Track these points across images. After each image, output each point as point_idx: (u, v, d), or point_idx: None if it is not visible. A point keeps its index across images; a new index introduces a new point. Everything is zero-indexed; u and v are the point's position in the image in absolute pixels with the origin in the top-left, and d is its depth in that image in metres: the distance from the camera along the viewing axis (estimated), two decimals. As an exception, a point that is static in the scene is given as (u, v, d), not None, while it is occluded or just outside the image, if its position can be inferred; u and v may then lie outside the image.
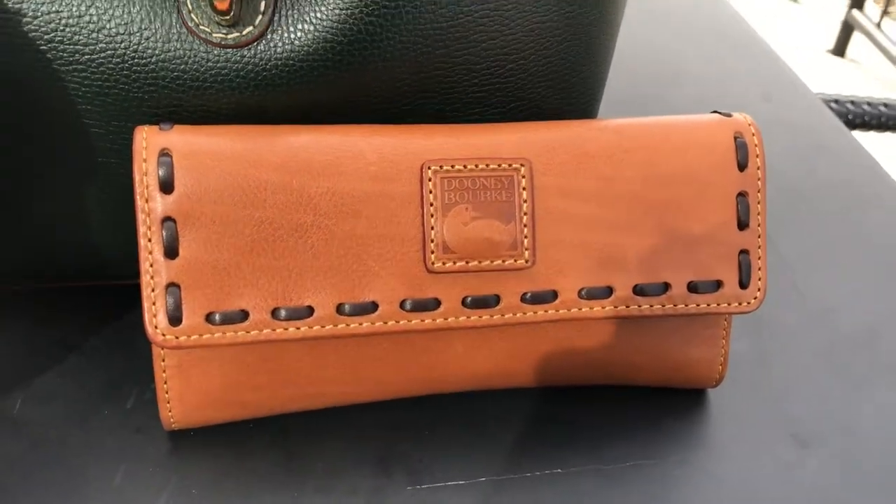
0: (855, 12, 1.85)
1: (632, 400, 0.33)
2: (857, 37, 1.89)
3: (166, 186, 0.26)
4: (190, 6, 0.27)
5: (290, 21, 0.27)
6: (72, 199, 0.31)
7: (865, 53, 1.92)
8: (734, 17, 0.68)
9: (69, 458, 0.29)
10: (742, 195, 0.30)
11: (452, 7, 0.28)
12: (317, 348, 0.29)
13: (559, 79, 0.32)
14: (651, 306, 0.30)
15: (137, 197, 0.26)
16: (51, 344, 0.34)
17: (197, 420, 0.30)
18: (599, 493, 0.30)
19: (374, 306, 0.28)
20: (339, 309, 0.28)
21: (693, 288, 0.30)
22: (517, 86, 0.31)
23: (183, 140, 0.27)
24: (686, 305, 0.30)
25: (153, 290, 0.27)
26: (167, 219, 0.26)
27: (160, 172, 0.26)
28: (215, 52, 0.27)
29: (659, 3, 0.67)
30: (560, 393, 0.33)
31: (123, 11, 0.27)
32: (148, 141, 0.27)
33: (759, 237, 0.31)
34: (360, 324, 0.28)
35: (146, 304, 0.27)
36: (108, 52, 0.27)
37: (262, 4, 0.27)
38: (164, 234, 0.26)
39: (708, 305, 0.30)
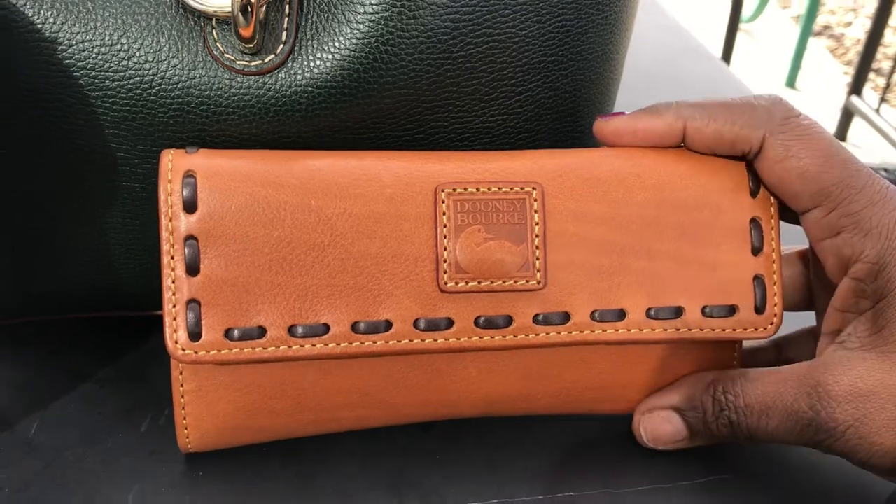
0: (854, 98, 1.90)
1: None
2: (857, 122, 1.93)
3: (190, 206, 0.27)
4: (216, 35, 0.29)
5: (309, 50, 0.29)
6: (93, 223, 0.32)
7: (866, 138, 1.96)
8: (734, 84, 0.71)
9: (83, 479, 0.30)
10: (755, 220, 0.31)
11: (462, 38, 0.30)
12: (332, 373, 0.30)
13: (567, 111, 0.33)
14: (665, 330, 0.30)
15: (162, 216, 0.27)
16: (66, 372, 0.34)
17: (213, 444, 0.30)
18: (614, 515, 0.30)
19: (388, 325, 0.28)
20: (354, 327, 0.28)
21: (707, 313, 0.30)
22: (525, 117, 0.32)
23: (207, 162, 0.28)
24: (701, 330, 0.31)
25: (174, 306, 0.27)
26: (190, 237, 0.27)
27: (184, 193, 0.27)
28: (238, 79, 0.29)
29: (660, 81, 0.70)
30: (570, 416, 0.33)
31: (153, 41, 0.29)
32: (174, 163, 0.28)
33: (773, 262, 0.31)
34: (375, 342, 0.28)
35: (167, 319, 0.27)
36: (137, 78, 0.29)
37: (284, 34, 0.29)
38: (187, 251, 0.27)
39: (723, 331, 0.31)
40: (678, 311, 0.30)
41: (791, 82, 2.35)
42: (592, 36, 0.32)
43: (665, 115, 0.31)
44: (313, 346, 0.28)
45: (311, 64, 0.29)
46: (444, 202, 0.29)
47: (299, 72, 0.29)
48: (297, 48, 0.29)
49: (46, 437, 0.31)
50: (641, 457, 0.32)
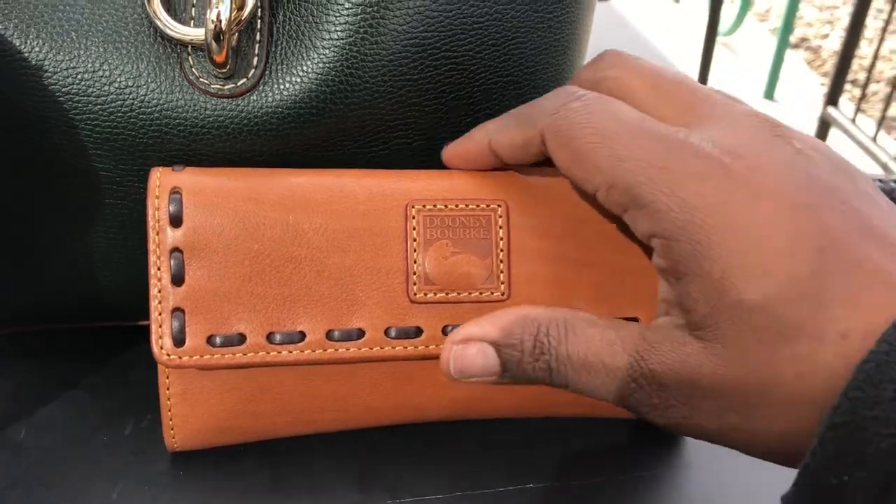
0: (831, 109, 1.93)
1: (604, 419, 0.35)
2: (833, 132, 1.97)
3: (176, 221, 0.29)
4: (191, 61, 0.31)
5: (279, 74, 0.31)
6: (78, 240, 0.34)
7: (843, 147, 1.99)
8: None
9: (69, 477, 0.31)
10: None
11: (422, 62, 0.32)
12: (309, 378, 0.32)
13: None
14: None
15: (150, 230, 0.29)
16: (52, 380, 0.36)
17: (198, 443, 0.32)
18: (568, 505, 0.32)
19: (360, 333, 0.31)
20: (329, 334, 0.30)
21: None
22: (484, 134, 0.35)
23: (192, 180, 0.30)
24: None
25: (160, 314, 0.29)
26: (175, 250, 0.29)
27: (171, 208, 0.29)
28: (213, 101, 0.31)
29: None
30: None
31: (133, 67, 0.31)
32: (161, 180, 0.30)
33: None
34: (348, 349, 0.30)
35: (153, 327, 0.29)
36: (118, 102, 0.31)
37: (255, 59, 0.31)
38: (172, 263, 0.29)
39: None
40: (636, 321, 0.32)
41: (769, 94, 2.39)
42: (546, 57, 0.35)
43: (475, 136, 0.31)
44: (290, 352, 0.30)
45: (281, 87, 0.31)
46: (414, 218, 0.31)
47: (270, 94, 0.31)
48: (267, 72, 0.31)
49: (34, 440, 0.33)
50: (603, 448, 0.34)
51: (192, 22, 0.31)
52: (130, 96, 0.31)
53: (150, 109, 0.31)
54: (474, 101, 0.34)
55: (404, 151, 0.34)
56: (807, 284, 0.23)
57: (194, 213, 0.29)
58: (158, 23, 0.30)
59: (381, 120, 0.33)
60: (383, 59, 0.31)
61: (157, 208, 0.29)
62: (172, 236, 0.29)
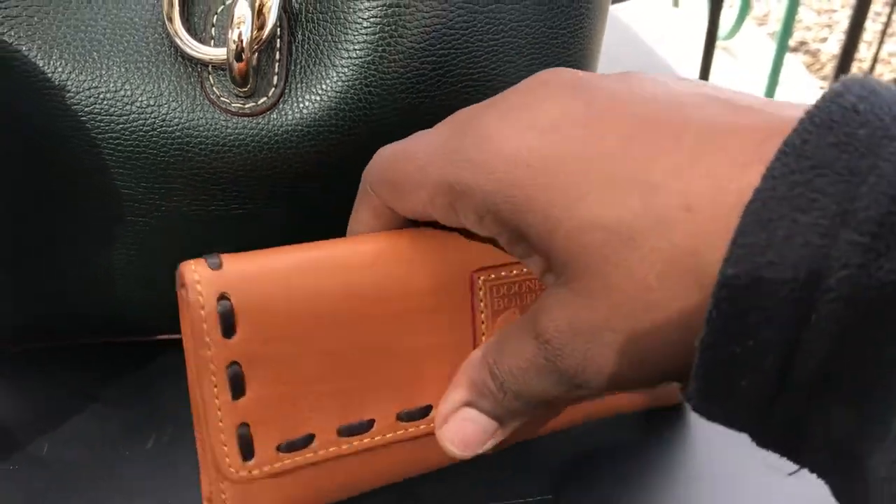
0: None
1: (606, 429, 0.36)
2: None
3: (228, 332, 0.26)
4: (212, 80, 0.31)
5: (299, 92, 0.32)
6: (100, 258, 0.34)
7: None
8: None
9: (91, 491, 0.32)
10: None
11: (438, 79, 0.32)
12: (375, 456, 0.30)
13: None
14: None
15: (197, 344, 0.25)
16: (73, 395, 0.36)
17: None
18: (587, 516, 0.32)
19: (429, 408, 0.29)
20: (399, 416, 0.29)
21: None
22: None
23: (240, 281, 0.26)
24: None
25: (223, 433, 0.27)
26: (232, 363, 0.26)
27: (221, 320, 0.25)
28: (234, 120, 0.31)
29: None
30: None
31: (154, 86, 0.31)
32: (203, 285, 0.25)
33: None
34: (418, 426, 0.29)
35: (217, 447, 0.27)
36: (140, 121, 0.31)
37: (275, 78, 0.31)
38: (230, 378, 0.26)
39: None
40: None
41: (769, 97, 2.39)
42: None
43: None
44: (361, 440, 0.29)
45: (301, 105, 0.32)
46: (481, 289, 0.29)
47: (290, 112, 0.32)
48: (287, 91, 0.32)
49: (56, 454, 0.33)
50: (607, 461, 0.35)
51: (213, 41, 0.31)
52: (152, 115, 0.31)
53: (171, 128, 0.31)
54: (490, 116, 0.34)
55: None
56: (626, 175, 0.21)
57: (248, 321, 0.26)
58: (179, 42, 0.31)
59: (399, 137, 0.33)
60: (401, 76, 0.32)
61: (205, 320, 0.25)
62: (226, 349, 0.26)
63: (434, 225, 0.28)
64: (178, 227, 0.33)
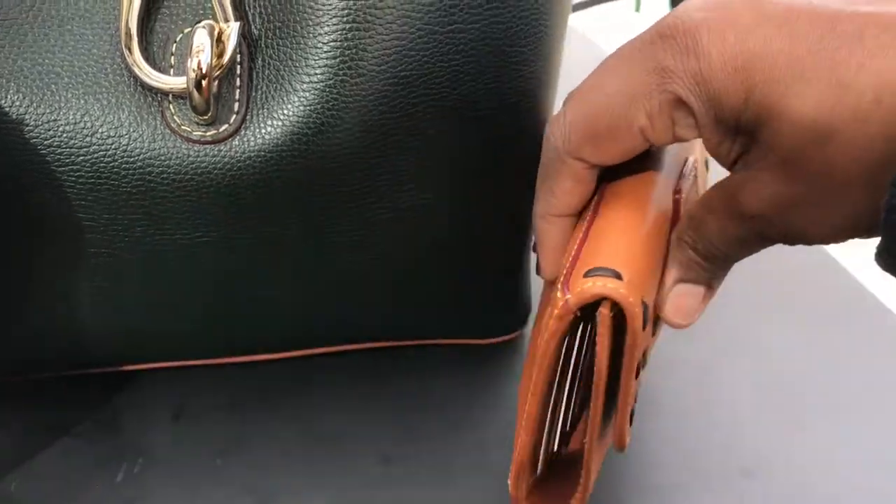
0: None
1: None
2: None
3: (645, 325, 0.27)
4: (173, 109, 0.31)
5: (261, 118, 0.31)
6: (65, 290, 0.34)
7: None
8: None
9: (64, 529, 0.31)
10: None
11: (401, 100, 0.32)
12: None
13: (503, 157, 0.36)
14: None
15: (634, 345, 0.27)
16: (41, 428, 0.36)
17: None
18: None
19: None
20: None
21: None
22: (459, 167, 0.35)
23: (636, 284, 0.27)
24: None
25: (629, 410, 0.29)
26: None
27: (645, 318, 0.27)
28: (196, 148, 0.31)
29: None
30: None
31: (114, 117, 0.31)
32: (632, 295, 0.26)
33: None
34: None
35: (624, 424, 0.29)
36: (101, 152, 0.31)
37: (236, 105, 0.31)
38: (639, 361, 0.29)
39: None
40: None
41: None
42: (522, 88, 0.35)
43: (540, 231, 0.32)
44: None
45: (263, 131, 0.32)
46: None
47: (252, 138, 0.31)
48: (248, 117, 0.32)
49: (25, 490, 0.33)
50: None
51: (172, 70, 0.31)
52: (113, 146, 0.31)
53: (133, 159, 0.31)
54: (453, 134, 0.34)
55: (388, 185, 0.34)
56: (818, 74, 0.24)
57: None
58: (138, 72, 0.31)
59: (364, 158, 0.33)
60: (363, 98, 0.32)
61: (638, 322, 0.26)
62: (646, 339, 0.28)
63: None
64: (143, 258, 0.33)
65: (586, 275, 0.26)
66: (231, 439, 0.36)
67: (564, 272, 0.28)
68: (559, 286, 0.27)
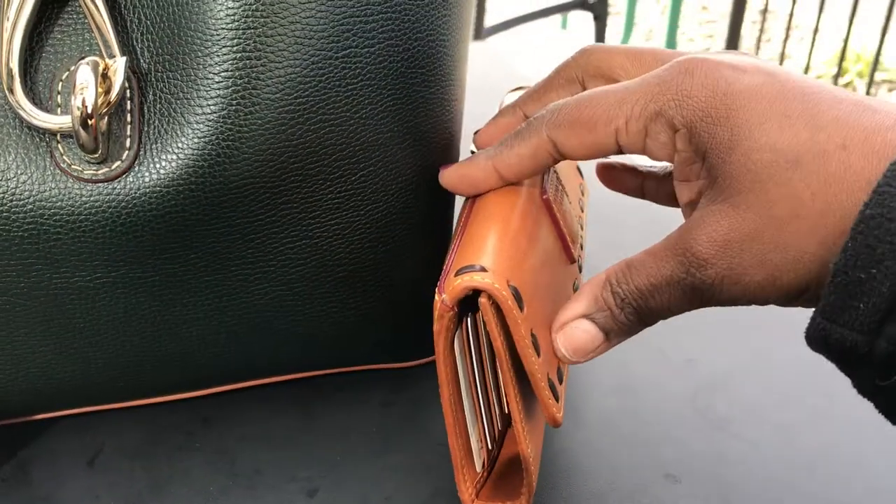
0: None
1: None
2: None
3: (521, 307, 0.29)
4: (62, 149, 0.30)
5: (154, 153, 0.31)
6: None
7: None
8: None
9: None
10: None
11: (300, 127, 0.32)
12: None
13: (409, 180, 0.36)
14: None
15: (512, 322, 0.29)
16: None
17: None
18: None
19: None
20: None
21: None
22: (371, 190, 0.35)
23: (505, 267, 0.29)
24: None
25: (544, 385, 0.30)
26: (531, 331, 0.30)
27: (516, 299, 0.29)
28: (88, 187, 0.30)
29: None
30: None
31: (0, 160, 0.30)
32: (497, 280, 0.28)
33: None
34: None
35: (545, 399, 0.30)
36: (-12, 197, 0.30)
37: (128, 141, 0.31)
38: (532, 342, 0.30)
39: None
40: None
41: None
42: (424, 109, 0.35)
43: (478, 162, 0.34)
44: None
45: (158, 166, 0.31)
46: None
47: (146, 174, 0.31)
48: (142, 152, 0.31)
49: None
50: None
51: (59, 109, 0.30)
52: (0, 190, 0.30)
53: (21, 202, 0.30)
54: (357, 158, 0.34)
55: (291, 215, 0.34)
56: (799, 116, 0.27)
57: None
58: (23, 114, 0.30)
59: (264, 188, 0.33)
60: (260, 128, 0.32)
61: (510, 303, 0.28)
62: (525, 320, 0.29)
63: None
64: (42, 303, 0.32)
65: (456, 274, 0.29)
66: (147, 484, 0.35)
67: (440, 279, 0.30)
68: (436, 292, 0.29)
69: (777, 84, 0.28)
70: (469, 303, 0.29)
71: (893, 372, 0.24)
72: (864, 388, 0.26)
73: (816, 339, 0.26)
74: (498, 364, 0.30)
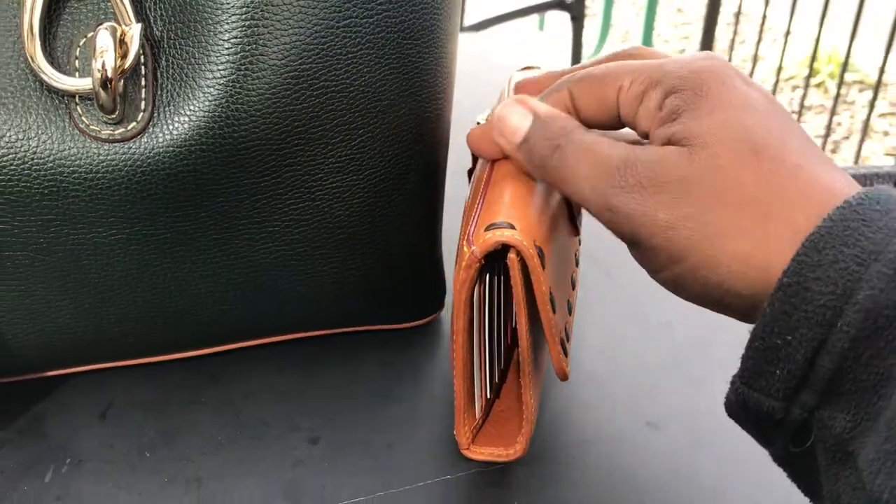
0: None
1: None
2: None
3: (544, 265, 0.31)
4: (80, 110, 0.32)
5: (167, 115, 0.33)
6: (-19, 297, 0.34)
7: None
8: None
9: (-7, 530, 0.32)
10: None
11: (303, 92, 0.34)
12: None
13: (407, 144, 0.38)
14: None
15: (537, 282, 0.30)
16: (-34, 440, 0.36)
17: None
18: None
19: None
20: None
21: None
22: (369, 155, 0.37)
23: (531, 229, 0.31)
24: None
25: (557, 343, 0.33)
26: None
27: (540, 259, 0.30)
28: (105, 147, 0.32)
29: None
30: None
31: (21, 120, 0.32)
32: (526, 240, 0.30)
33: None
34: None
35: (556, 352, 0.33)
36: (10, 156, 0.32)
37: (143, 103, 0.33)
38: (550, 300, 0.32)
39: None
40: None
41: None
42: (419, 79, 0.37)
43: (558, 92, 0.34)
44: None
45: (171, 127, 0.33)
46: None
47: (160, 135, 0.33)
48: (155, 114, 0.33)
49: (-48, 501, 0.33)
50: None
51: (77, 73, 0.32)
52: (22, 149, 0.32)
53: (42, 161, 0.32)
54: (357, 124, 0.36)
55: (295, 176, 0.36)
56: (773, 155, 0.27)
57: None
58: (44, 77, 0.31)
59: (270, 150, 0.35)
60: (266, 92, 0.33)
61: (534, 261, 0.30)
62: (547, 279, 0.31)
63: None
64: (60, 258, 0.34)
65: (486, 229, 0.30)
66: (158, 434, 0.37)
67: (467, 233, 0.31)
68: (464, 243, 0.31)
69: (775, 120, 0.29)
70: (490, 261, 0.31)
71: (807, 439, 0.25)
72: (778, 456, 0.27)
73: (736, 403, 0.26)
74: (517, 317, 0.31)
